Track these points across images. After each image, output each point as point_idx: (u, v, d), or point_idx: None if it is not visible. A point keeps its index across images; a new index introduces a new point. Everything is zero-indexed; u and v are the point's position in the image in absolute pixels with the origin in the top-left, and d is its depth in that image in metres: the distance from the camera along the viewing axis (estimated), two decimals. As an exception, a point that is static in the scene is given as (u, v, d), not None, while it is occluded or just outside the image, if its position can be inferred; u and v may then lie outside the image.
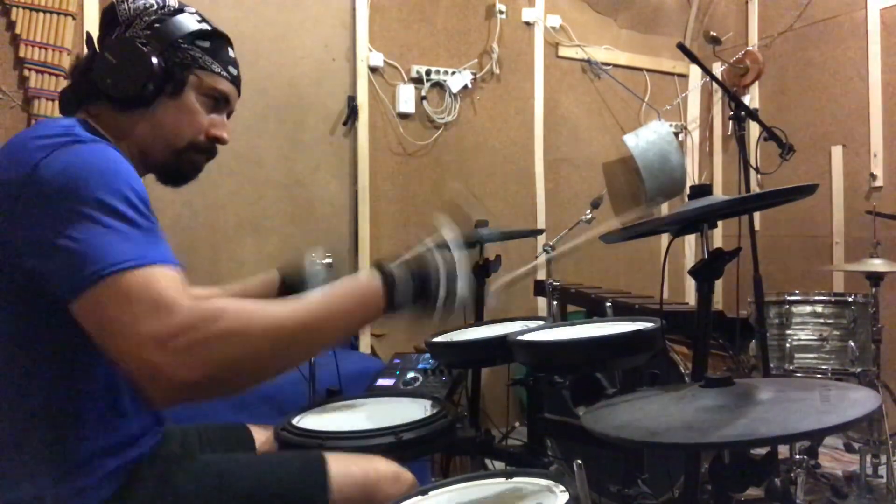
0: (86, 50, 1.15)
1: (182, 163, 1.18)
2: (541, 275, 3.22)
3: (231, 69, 1.19)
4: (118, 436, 1.04)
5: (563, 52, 3.84)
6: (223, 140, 1.19)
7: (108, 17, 1.13)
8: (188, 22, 1.14)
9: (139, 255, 0.86)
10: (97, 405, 1.02)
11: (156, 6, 1.12)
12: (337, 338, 0.97)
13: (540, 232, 3.42)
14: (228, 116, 1.22)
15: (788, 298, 2.63)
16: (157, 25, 1.10)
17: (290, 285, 1.47)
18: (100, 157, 0.96)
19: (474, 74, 3.52)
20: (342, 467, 1.17)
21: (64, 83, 2.59)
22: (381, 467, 1.20)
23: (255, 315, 0.87)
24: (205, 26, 1.16)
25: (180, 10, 1.14)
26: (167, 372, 0.81)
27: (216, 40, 1.17)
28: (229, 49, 1.20)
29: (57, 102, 2.57)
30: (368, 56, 3.27)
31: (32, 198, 0.91)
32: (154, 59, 1.08)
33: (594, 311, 2.59)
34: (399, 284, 0.98)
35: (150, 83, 1.08)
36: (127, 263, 0.85)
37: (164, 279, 0.86)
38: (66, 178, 0.91)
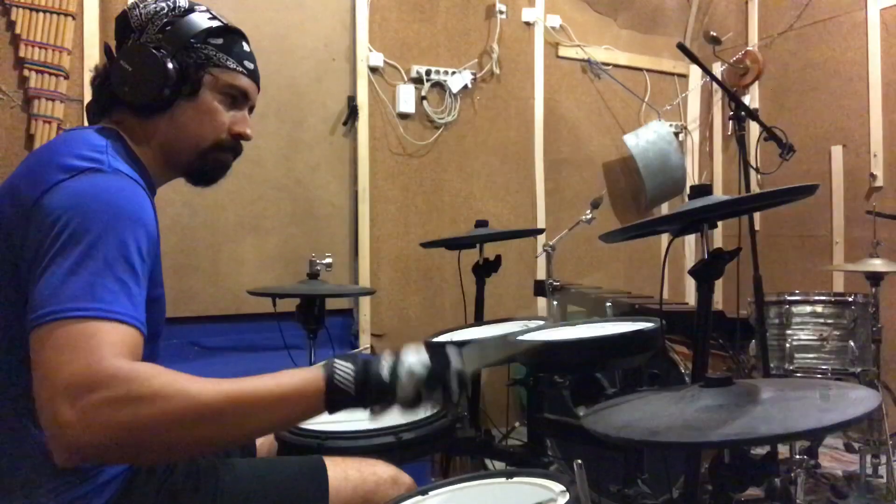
0: (98, 59, 1.16)
1: (208, 163, 1.17)
2: (541, 274, 3.21)
3: (247, 63, 1.17)
4: None
5: (563, 52, 3.84)
6: (247, 136, 1.18)
7: (122, 25, 1.13)
8: (199, 20, 1.13)
9: (96, 307, 0.82)
10: None
11: (167, 9, 1.12)
12: (269, 425, 0.92)
13: (540, 231, 3.43)
14: (251, 112, 1.21)
15: (788, 298, 2.63)
16: (168, 28, 1.10)
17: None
18: (114, 191, 0.94)
19: (474, 74, 3.52)
20: (341, 472, 1.17)
21: (64, 83, 2.60)
22: (380, 471, 1.20)
23: (177, 385, 0.80)
24: (216, 23, 1.15)
25: (191, 10, 1.14)
26: (69, 429, 0.76)
27: (229, 36, 1.16)
28: (244, 44, 1.19)
29: (56, 103, 2.58)
30: (368, 56, 3.27)
31: (36, 221, 0.91)
32: (168, 63, 1.07)
33: (594, 311, 2.59)
34: (341, 383, 0.88)
35: (166, 87, 1.07)
36: (78, 311, 0.81)
37: (111, 335, 0.81)
38: (69, 210, 0.90)
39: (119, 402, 0.77)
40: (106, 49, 1.15)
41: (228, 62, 1.14)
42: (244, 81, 1.17)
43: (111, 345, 0.80)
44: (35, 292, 0.85)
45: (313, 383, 0.87)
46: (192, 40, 1.11)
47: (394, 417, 1.41)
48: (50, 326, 0.81)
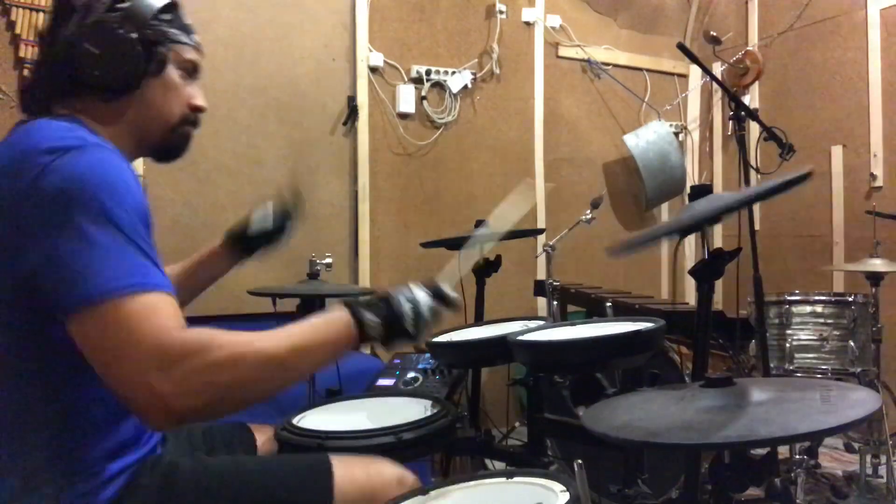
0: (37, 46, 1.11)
1: (176, 138, 1.18)
2: (541, 274, 3.22)
3: (194, 36, 1.18)
4: (118, 439, 1.04)
5: (563, 52, 3.84)
6: (204, 108, 1.20)
7: (62, 5, 1.08)
8: None
9: (139, 281, 0.88)
10: (97, 409, 1.01)
11: None
12: (318, 367, 1.06)
13: (540, 231, 3.42)
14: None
15: (788, 298, 2.63)
16: (124, 6, 1.07)
17: (233, 236, 1.54)
18: (106, 166, 0.95)
19: (474, 74, 3.52)
20: (346, 471, 1.16)
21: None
22: (386, 471, 1.19)
23: (247, 344, 0.92)
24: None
25: None
26: (169, 400, 0.85)
27: (176, 10, 1.16)
28: (184, 15, 1.19)
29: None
30: (368, 56, 3.27)
31: (37, 204, 0.91)
32: (137, 43, 1.06)
33: (594, 311, 2.59)
34: (370, 335, 1.06)
35: (138, 68, 1.07)
36: (128, 289, 0.87)
37: (163, 307, 0.89)
38: (72, 187, 0.90)
39: (207, 369, 0.88)
40: (39, 34, 1.11)
41: (182, 37, 1.15)
42: (196, 54, 1.18)
43: (173, 316, 0.89)
44: (58, 278, 0.88)
45: (346, 330, 1.04)
46: (152, 18, 1.09)
47: (394, 417, 1.42)
48: (97, 309, 0.86)
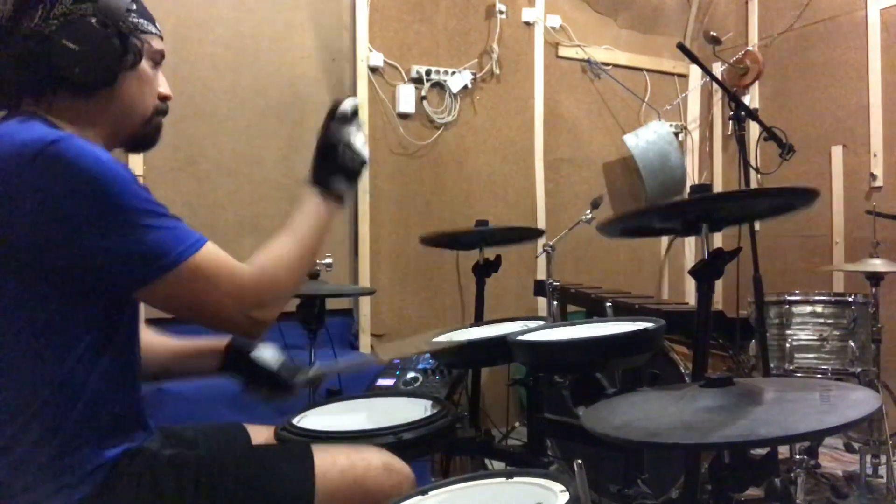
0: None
1: (150, 129, 1.19)
2: (541, 274, 3.22)
3: (157, 25, 1.17)
4: (104, 430, 1.04)
5: (563, 52, 3.84)
6: (171, 97, 1.21)
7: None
8: None
9: (191, 240, 1.03)
10: (85, 401, 1.02)
11: None
12: (321, 239, 1.23)
13: (540, 232, 3.41)
14: None
15: (788, 298, 2.63)
16: (94, 1, 1.05)
17: (238, 349, 1.41)
18: (96, 153, 0.98)
19: (474, 74, 3.52)
20: (328, 456, 1.15)
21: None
22: (371, 457, 1.18)
23: (280, 257, 1.15)
24: None
25: None
26: (256, 315, 1.09)
27: (139, 0, 1.14)
28: (142, 2, 1.16)
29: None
30: (368, 56, 3.27)
31: (42, 202, 0.93)
32: (115, 37, 1.05)
33: (594, 311, 2.59)
34: (324, 178, 1.24)
35: (116, 62, 1.06)
36: (190, 249, 1.02)
37: (217, 252, 1.07)
38: (79, 178, 0.94)
39: (275, 286, 1.12)
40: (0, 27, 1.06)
41: (149, 27, 1.14)
42: (161, 44, 1.18)
43: (226, 257, 1.08)
44: (119, 264, 0.99)
45: (327, 206, 1.24)
46: (125, 11, 1.08)
47: (394, 417, 1.41)
48: (175, 272, 1.01)
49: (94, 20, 1.04)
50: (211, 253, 1.06)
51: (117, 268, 0.99)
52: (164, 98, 1.19)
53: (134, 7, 1.11)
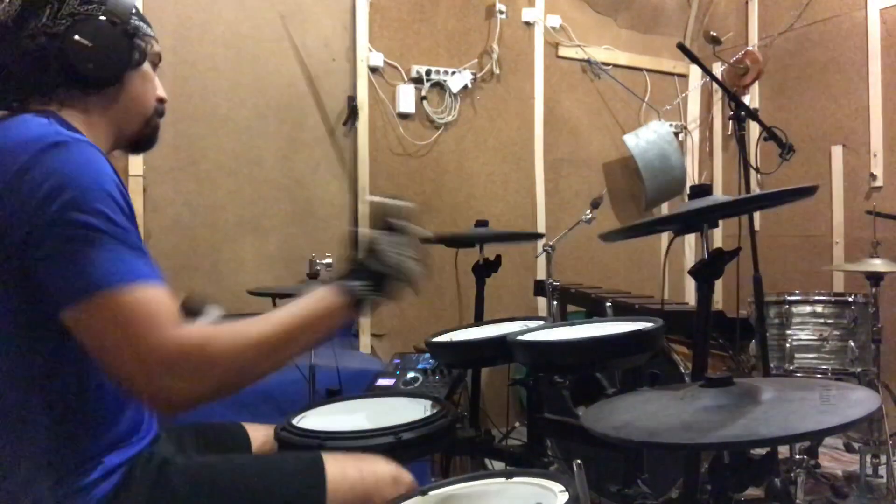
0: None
1: (150, 130, 1.20)
2: (541, 274, 3.21)
3: (152, 28, 1.20)
4: (115, 434, 1.04)
5: (563, 52, 3.84)
6: (167, 99, 1.22)
7: None
8: None
9: (129, 272, 0.90)
10: (95, 404, 1.02)
11: None
12: (313, 341, 1.07)
13: (539, 236, 3.40)
14: None
15: (788, 298, 2.63)
16: (102, 2, 1.07)
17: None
18: (89, 160, 0.96)
19: (474, 74, 3.52)
20: (339, 469, 1.16)
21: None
22: (380, 469, 1.19)
23: (240, 335, 0.97)
24: None
25: None
26: (176, 391, 0.91)
27: (136, 6, 1.17)
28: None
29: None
30: (368, 56, 3.27)
31: (25, 202, 0.90)
32: (124, 35, 1.09)
33: (594, 311, 2.60)
34: (357, 288, 1.07)
35: (125, 59, 1.10)
36: (118, 281, 0.89)
37: (157, 299, 0.91)
38: (58, 183, 0.91)
39: (205, 364, 0.92)
40: (6, 25, 1.06)
41: (149, 30, 1.17)
42: (158, 47, 1.20)
43: (166, 311, 0.91)
44: (52, 272, 0.90)
45: (340, 301, 1.06)
46: (130, 11, 1.11)
47: (394, 417, 1.42)
48: (91, 301, 0.88)
49: (104, 18, 1.07)
50: (144, 296, 0.90)
51: (48, 283, 0.91)
52: (161, 100, 1.21)
53: (135, 11, 1.14)
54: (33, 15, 1.05)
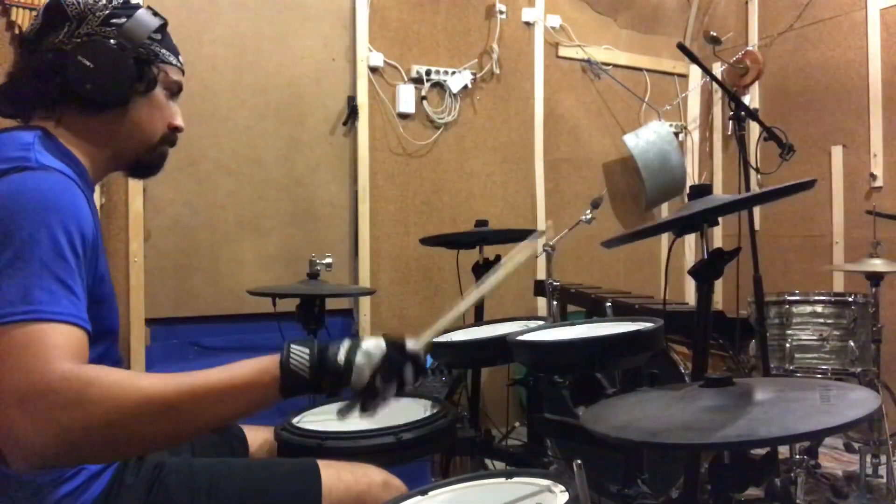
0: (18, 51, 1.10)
1: (154, 157, 1.19)
2: (541, 274, 3.21)
3: (180, 58, 1.19)
4: None
5: (563, 52, 3.84)
6: (182, 128, 1.20)
7: (54, 13, 1.08)
8: (148, 17, 1.12)
9: (37, 310, 0.82)
10: None
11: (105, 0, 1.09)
12: (225, 415, 0.90)
13: (539, 234, 3.40)
14: None
15: (788, 298, 2.63)
16: (120, 23, 1.08)
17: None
18: (43, 189, 0.93)
19: (474, 74, 3.52)
20: (334, 473, 1.17)
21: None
22: (372, 474, 1.22)
23: (126, 383, 0.83)
24: (159, 19, 1.15)
25: (131, 4, 1.12)
26: (21, 433, 0.77)
27: (164, 30, 1.16)
28: (170, 35, 1.19)
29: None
30: (368, 56, 3.26)
31: None
32: (131, 61, 1.08)
33: (594, 311, 2.59)
34: (296, 368, 0.93)
35: (128, 84, 1.08)
36: (20, 316, 0.81)
37: (54, 337, 0.82)
38: (2, 208, 0.89)
39: (70, 405, 0.78)
40: (21, 39, 1.10)
41: (170, 58, 1.16)
42: (181, 76, 1.19)
43: (55, 347, 0.81)
44: None
45: (268, 371, 0.92)
46: (146, 37, 1.10)
47: (394, 417, 1.41)
48: None
49: (112, 42, 1.07)
50: (36, 334, 0.81)
51: None
52: (174, 128, 1.19)
53: (159, 37, 1.14)
54: (52, 31, 1.07)
